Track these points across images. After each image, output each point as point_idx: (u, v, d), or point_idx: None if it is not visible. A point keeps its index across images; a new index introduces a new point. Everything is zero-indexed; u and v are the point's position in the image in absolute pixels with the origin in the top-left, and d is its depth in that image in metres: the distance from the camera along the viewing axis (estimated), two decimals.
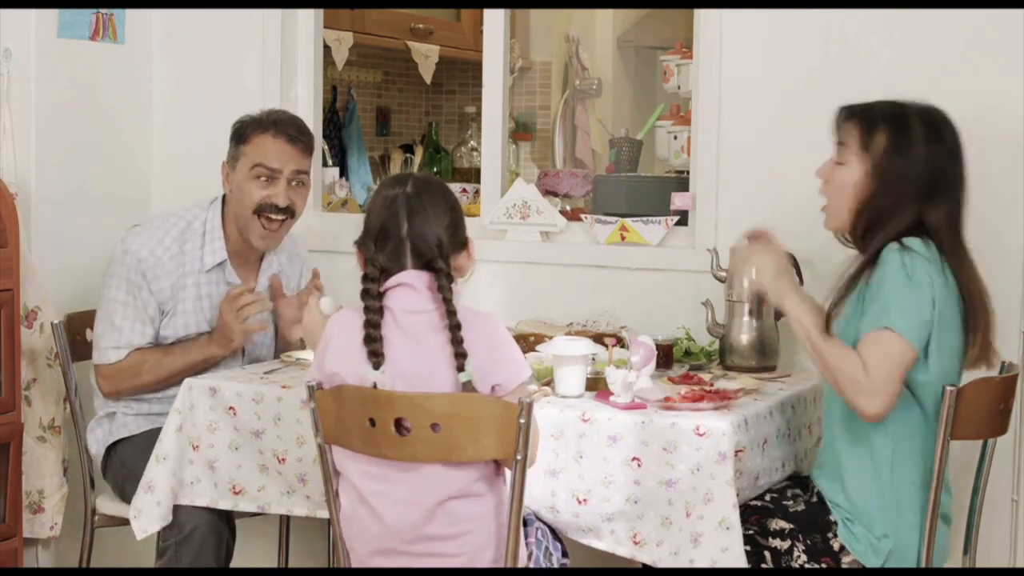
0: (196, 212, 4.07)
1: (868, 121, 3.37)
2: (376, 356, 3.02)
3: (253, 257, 4.11)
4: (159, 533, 3.70)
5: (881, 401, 3.22)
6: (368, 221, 3.13)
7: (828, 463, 3.42)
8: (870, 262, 3.30)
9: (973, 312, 3.32)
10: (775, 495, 3.48)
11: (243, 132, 4.03)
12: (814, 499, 3.42)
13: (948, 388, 3.23)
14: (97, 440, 4.05)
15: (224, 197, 4.08)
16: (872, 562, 3.30)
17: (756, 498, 3.46)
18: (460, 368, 3.01)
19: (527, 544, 3.27)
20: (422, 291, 3.05)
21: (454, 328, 3.02)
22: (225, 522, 3.74)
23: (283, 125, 4.02)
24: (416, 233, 3.07)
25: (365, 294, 3.05)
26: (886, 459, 3.32)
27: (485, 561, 3.07)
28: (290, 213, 4.01)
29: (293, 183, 4.00)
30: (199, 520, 3.67)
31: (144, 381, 3.98)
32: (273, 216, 3.98)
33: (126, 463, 3.95)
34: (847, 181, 3.38)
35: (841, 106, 3.45)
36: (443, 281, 3.05)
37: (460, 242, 3.13)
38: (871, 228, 3.34)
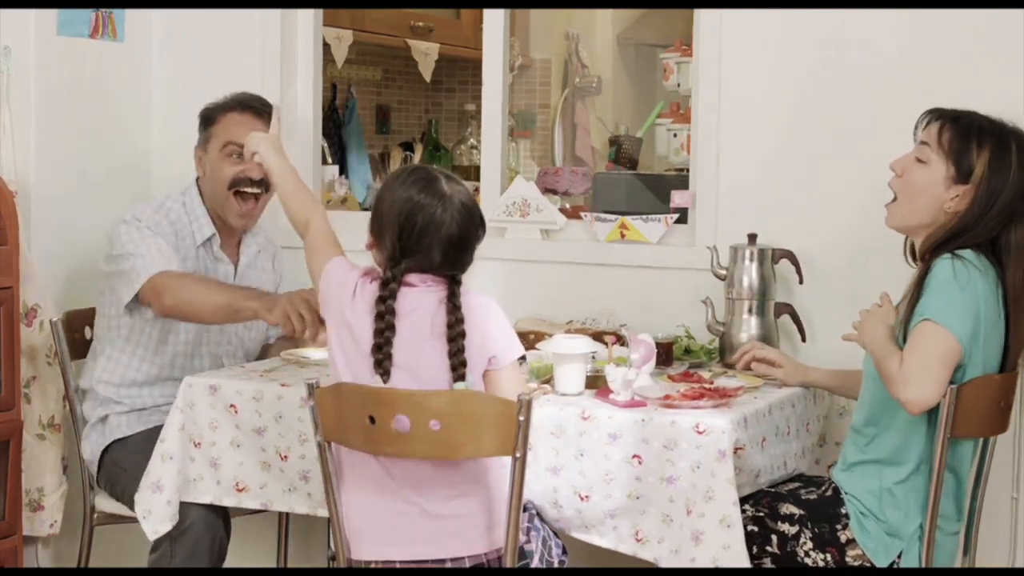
0: (175, 198, 4.14)
1: (965, 131, 3.35)
2: (384, 373, 3.02)
3: (233, 239, 4.17)
4: None
5: (913, 389, 3.18)
6: (394, 224, 3.06)
7: (852, 460, 3.42)
8: (925, 274, 3.29)
9: (1009, 345, 3.34)
10: (791, 489, 3.49)
11: (211, 115, 4.11)
12: (828, 492, 3.42)
13: (948, 387, 3.23)
14: (92, 445, 4.04)
15: (197, 183, 4.15)
16: (881, 560, 3.30)
17: (770, 487, 3.48)
18: (460, 378, 3.03)
19: (531, 539, 3.27)
20: (427, 290, 3.05)
21: (456, 337, 3.02)
22: (221, 519, 3.74)
23: (247, 101, 4.10)
24: (452, 260, 3.06)
25: (381, 302, 3.04)
26: (911, 466, 3.33)
27: (479, 538, 3.08)
28: (264, 187, 4.03)
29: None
30: (195, 516, 3.67)
31: (187, 297, 3.84)
32: (248, 190, 4.03)
33: (119, 462, 3.94)
34: (926, 181, 3.37)
35: (932, 108, 3.43)
36: (455, 288, 3.06)
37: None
38: (949, 240, 3.33)
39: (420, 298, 3.05)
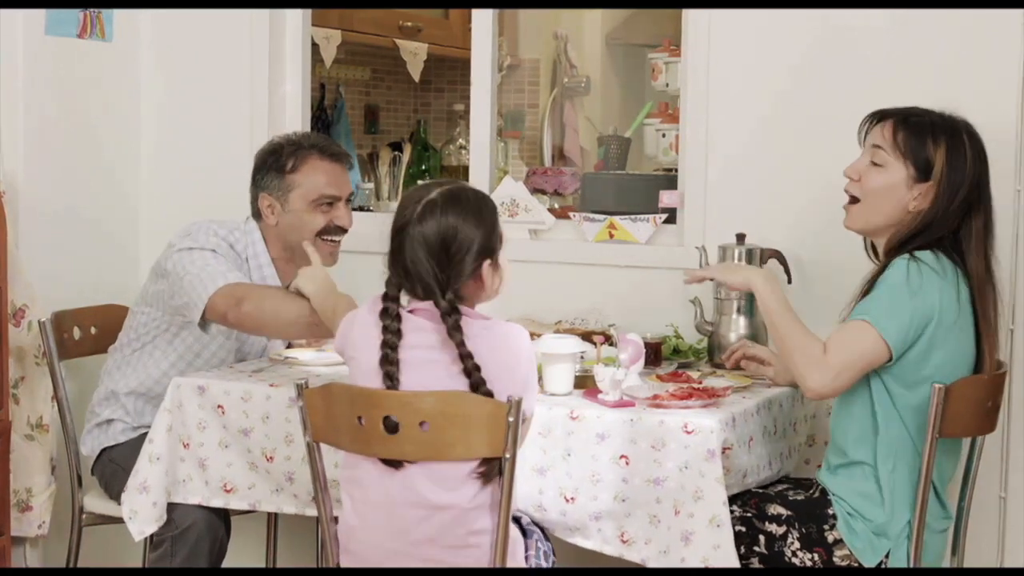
0: (237, 235, 3.95)
1: (918, 129, 3.36)
2: (391, 380, 3.01)
3: (286, 283, 4.00)
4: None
5: (829, 380, 3.24)
6: (389, 237, 3.09)
7: (836, 462, 3.43)
8: (881, 271, 3.30)
9: (987, 335, 3.35)
10: (779, 490, 3.50)
11: (284, 161, 3.91)
12: (816, 494, 3.43)
13: (936, 386, 3.24)
14: (93, 439, 4.03)
15: (259, 227, 3.97)
16: (869, 560, 3.31)
17: (758, 487, 3.48)
18: None
19: (527, 557, 3.25)
20: (431, 322, 3.02)
21: (472, 371, 2.98)
22: (221, 520, 3.74)
23: (325, 146, 3.95)
24: (414, 268, 3.02)
25: (384, 313, 3.03)
26: (889, 465, 3.33)
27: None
28: (346, 231, 3.97)
29: (348, 202, 3.97)
30: (196, 516, 3.67)
31: (267, 307, 3.66)
32: (336, 238, 3.92)
33: (115, 459, 3.95)
34: (886, 184, 3.38)
35: (876, 110, 3.44)
36: (449, 322, 2.99)
37: (468, 271, 3.04)
38: (911, 239, 3.34)
39: (420, 335, 3.02)
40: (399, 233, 3.04)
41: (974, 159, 3.35)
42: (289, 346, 4.08)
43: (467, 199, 3.08)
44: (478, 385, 2.98)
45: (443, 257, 3.02)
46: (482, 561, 3.05)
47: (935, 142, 3.34)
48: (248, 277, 3.92)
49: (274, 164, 3.93)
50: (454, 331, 2.98)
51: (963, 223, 3.34)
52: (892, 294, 3.24)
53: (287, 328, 3.70)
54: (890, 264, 3.29)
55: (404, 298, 3.08)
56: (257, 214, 3.98)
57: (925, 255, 3.28)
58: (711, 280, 3.76)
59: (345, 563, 3.15)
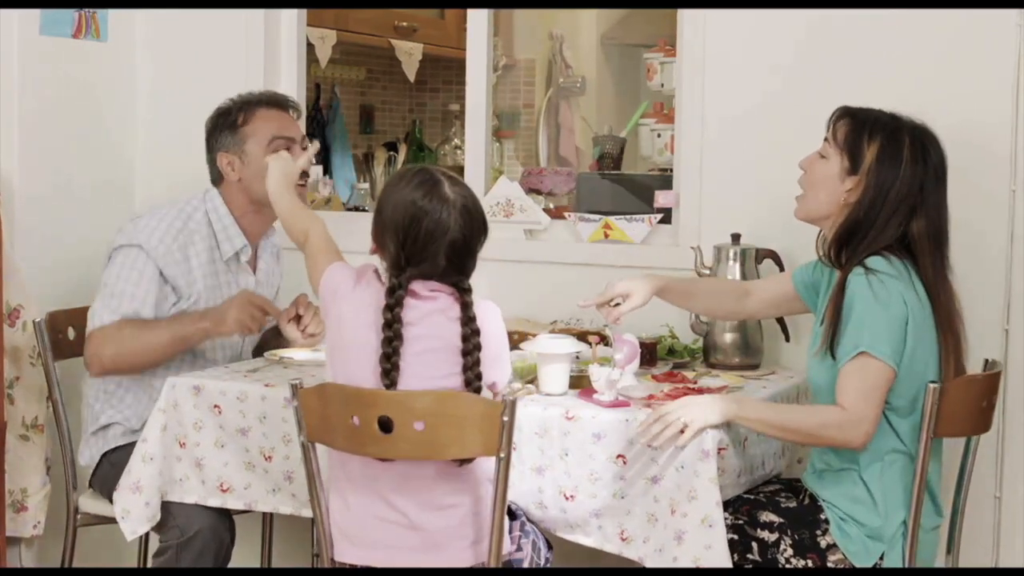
0: (195, 204, 4.01)
1: (859, 124, 3.39)
2: (391, 384, 3.02)
3: (255, 243, 4.08)
4: (159, 533, 3.70)
5: (868, 428, 3.23)
6: (397, 229, 3.05)
7: (821, 467, 3.43)
8: (841, 291, 3.30)
9: (944, 337, 3.35)
10: (768, 494, 3.50)
11: (232, 118, 4.00)
12: (806, 500, 3.43)
13: (931, 386, 3.24)
14: (91, 448, 4.01)
15: (219, 191, 4.02)
16: (864, 563, 3.30)
17: (748, 492, 3.47)
18: (476, 391, 3.03)
19: (514, 538, 3.27)
20: (434, 303, 3.05)
21: (472, 351, 3.02)
22: (227, 528, 3.72)
23: (270, 98, 4.05)
24: (458, 265, 3.05)
25: (388, 310, 3.02)
26: (876, 470, 3.33)
27: (465, 551, 3.08)
28: (307, 175, 3.97)
29: (304, 148, 3.99)
30: (202, 524, 3.65)
31: (128, 348, 3.83)
32: (301, 183, 3.88)
33: (115, 464, 3.88)
34: (823, 174, 3.41)
35: (840, 106, 3.46)
36: (468, 300, 3.05)
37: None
38: (852, 235, 3.35)
39: (428, 308, 3.04)
40: (432, 235, 3.03)
41: (912, 161, 3.34)
42: (280, 346, 4.07)
43: (463, 183, 3.16)
44: (472, 364, 3.02)
45: (477, 243, 3.09)
46: (465, 522, 3.08)
47: (871, 138, 3.36)
48: (216, 255, 3.97)
49: (225, 123, 4.01)
50: (470, 321, 3.04)
51: (907, 228, 3.34)
52: (868, 314, 3.24)
53: (160, 357, 3.87)
54: (848, 283, 3.28)
55: None
56: (217, 178, 4.03)
57: (876, 262, 3.28)
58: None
59: (337, 539, 3.15)
